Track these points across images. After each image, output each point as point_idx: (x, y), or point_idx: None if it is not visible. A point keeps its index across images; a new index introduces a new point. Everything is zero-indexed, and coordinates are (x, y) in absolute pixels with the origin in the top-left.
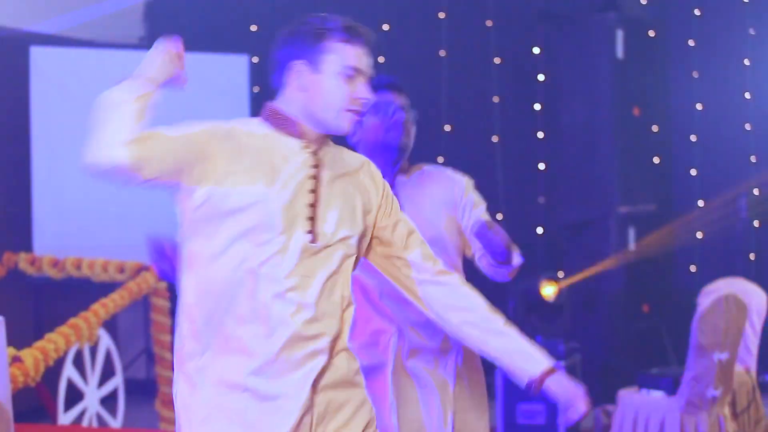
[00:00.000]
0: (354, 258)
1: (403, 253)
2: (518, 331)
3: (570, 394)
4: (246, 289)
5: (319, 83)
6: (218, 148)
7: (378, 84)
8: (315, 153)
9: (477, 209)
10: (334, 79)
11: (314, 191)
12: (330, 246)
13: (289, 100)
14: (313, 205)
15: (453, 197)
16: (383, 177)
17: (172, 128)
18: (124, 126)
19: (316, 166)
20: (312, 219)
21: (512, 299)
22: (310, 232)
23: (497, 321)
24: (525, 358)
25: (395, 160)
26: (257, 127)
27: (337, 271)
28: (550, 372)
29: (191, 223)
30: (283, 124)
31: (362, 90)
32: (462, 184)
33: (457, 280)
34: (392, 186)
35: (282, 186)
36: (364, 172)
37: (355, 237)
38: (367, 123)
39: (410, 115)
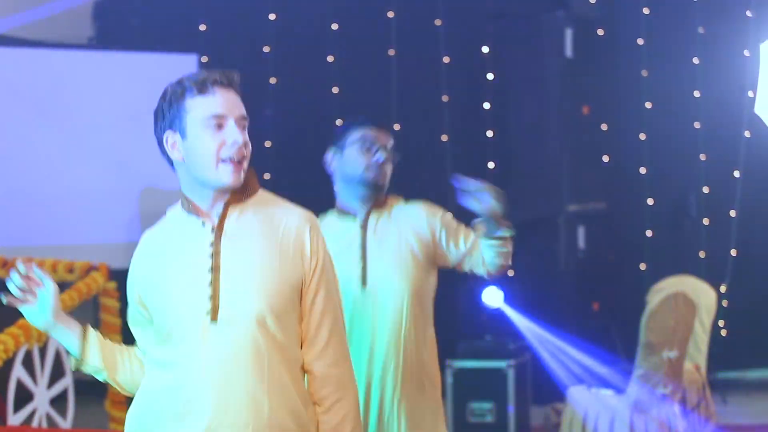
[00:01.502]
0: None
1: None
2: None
3: None
4: None
5: (190, 147)
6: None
7: (367, 120)
8: (215, 228)
9: (453, 225)
10: (200, 136)
11: (213, 269)
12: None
13: (180, 175)
14: (212, 284)
15: (422, 224)
16: (354, 209)
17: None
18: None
19: (212, 244)
20: (212, 297)
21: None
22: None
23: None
24: None
25: (367, 197)
26: (175, 212)
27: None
28: None
29: None
30: (182, 202)
31: (232, 133)
32: (427, 211)
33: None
34: (365, 219)
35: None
36: (292, 231)
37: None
38: (348, 154)
39: (392, 156)
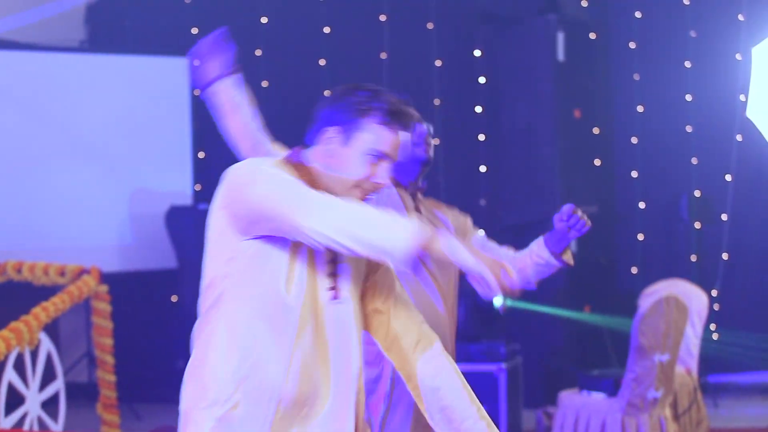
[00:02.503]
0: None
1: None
2: None
3: None
4: None
5: (343, 156)
6: None
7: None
8: None
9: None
10: (359, 158)
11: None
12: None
13: (313, 157)
14: (333, 261)
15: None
16: (406, 195)
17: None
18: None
19: None
20: (333, 275)
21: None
22: (332, 288)
23: None
24: None
25: (420, 175)
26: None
27: None
28: None
29: None
30: (304, 175)
31: (382, 175)
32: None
33: None
34: (415, 200)
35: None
36: None
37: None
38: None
39: (428, 127)
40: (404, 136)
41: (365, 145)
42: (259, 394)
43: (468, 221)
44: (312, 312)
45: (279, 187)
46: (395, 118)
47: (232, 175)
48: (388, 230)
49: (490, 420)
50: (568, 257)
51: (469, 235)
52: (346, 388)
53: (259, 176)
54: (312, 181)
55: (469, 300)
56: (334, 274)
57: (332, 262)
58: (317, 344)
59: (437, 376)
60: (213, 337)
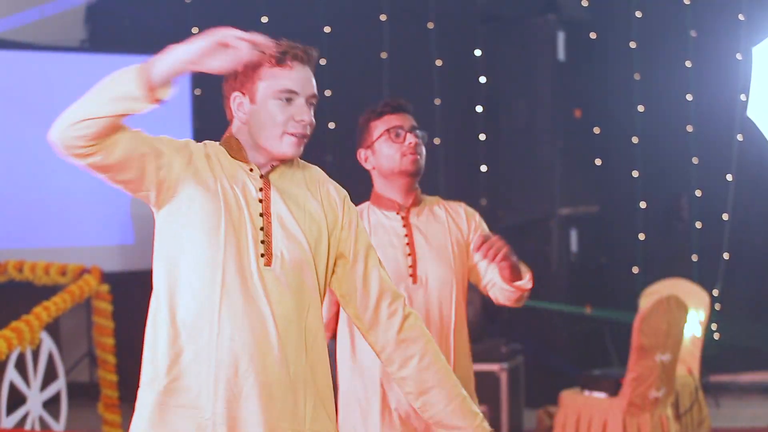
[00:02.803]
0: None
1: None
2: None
3: None
4: None
5: (257, 113)
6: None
7: (384, 107)
8: (263, 177)
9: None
10: (269, 105)
11: (264, 214)
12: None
13: (238, 130)
14: (263, 229)
15: (459, 226)
16: (401, 205)
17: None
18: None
19: (261, 189)
20: (264, 242)
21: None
22: (263, 255)
23: None
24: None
25: (413, 186)
26: (216, 149)
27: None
28: None
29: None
30: (234, 148)
31: (301, 111)
32: (467, 214)
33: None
34: (406, 217)
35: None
36: (323, 193)
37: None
38: (380, 149)
39: (421, 135)
40: (300, 67)
41: (268, 91)
42: (197, 365)
43: (469, 208)
44: (240, 278)
45: None
46: (285, 55)
47: None
48: (112, 82)
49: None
50: (523, 282)
51: (473, 219)
52: (297, 358)
53: None
54: (241, 146)
55: (477, 300)
56: (264, 241)
57: (261, 229)
58: (250, 310)
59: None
60: (153, 318)
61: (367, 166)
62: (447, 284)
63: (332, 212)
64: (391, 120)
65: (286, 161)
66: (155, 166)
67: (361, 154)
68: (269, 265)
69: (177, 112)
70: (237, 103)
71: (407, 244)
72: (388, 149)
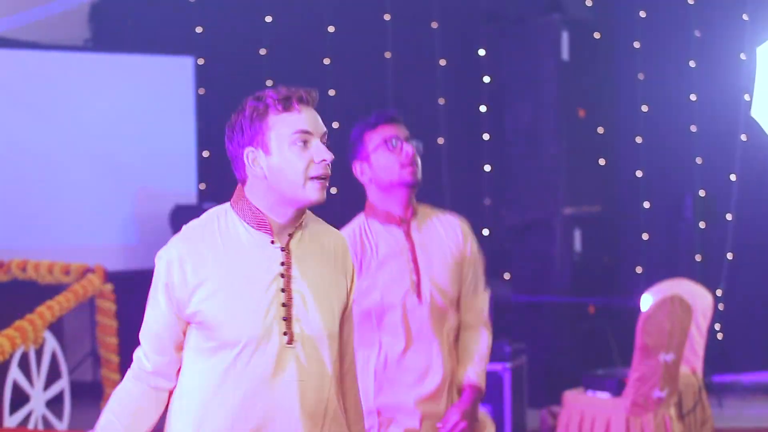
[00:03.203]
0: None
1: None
2: None
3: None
4: None
5: (275, 165)
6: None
7: (378, 118)
8: (284, 249)
9: (475, 276)
10: (287, 153)
11: (285, 290)
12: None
13: (254, 189)
14: (285, 305)
15: (457, 245)
16: (401, 218)
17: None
18: None
19: (284, 264)
20: (286, 320)
21: None
22: (285, 333)
23: None
24: None
25: (411, 198)
26: (227, 219)
27: None
28: None
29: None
30: (248, 215)
31: (320, 152)
32: (464, 233)
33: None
34: (407, 231)
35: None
36: (337, 256)
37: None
38: (377, 160)
39: (417, 146)
40: (306, 108)
41: (284, 138)
42: None
43: (465, 226)
44: (261, 359)
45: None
46: (288, 100)
47: None
48: None
49: None
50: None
51: (469, 240)
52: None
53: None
54: (268, 207)
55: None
56: (287, 319)
57: (284, 305)
58: (273, 390)
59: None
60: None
61: (364, 179)
62: (447, 304)
63: (351, 281)
64: (386, 130)
65: (302, 223)
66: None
67: (357, 166)
68: (291, 344)
69: (180, 113)
70: (251, 160)
71: (412, 260)
72: (386, 160)
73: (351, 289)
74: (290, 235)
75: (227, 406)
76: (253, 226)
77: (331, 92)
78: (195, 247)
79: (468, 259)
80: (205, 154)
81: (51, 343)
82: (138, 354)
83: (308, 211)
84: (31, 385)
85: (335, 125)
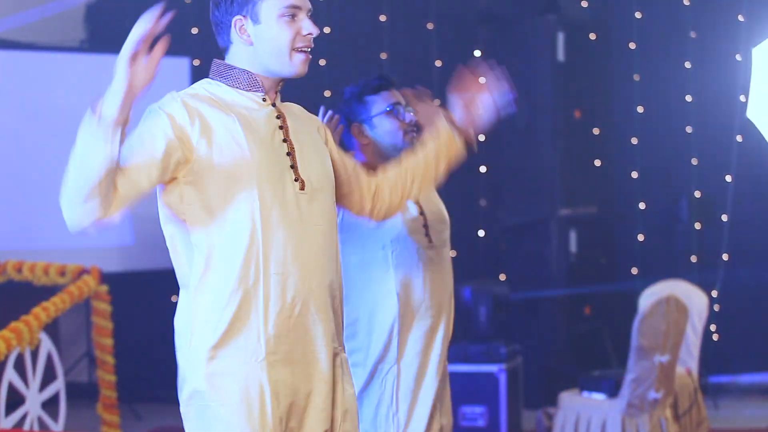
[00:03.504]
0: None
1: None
2: None
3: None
4: None
5: (263, 33)
6: (187, 135)
7: (378, 83)
8: (275, 105)
9: None
10: (276, 24)
11: (286, 140)
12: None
13: (237, 56)
14: (290, 154)
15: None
16: None
17: (133, 144)
18: (95, 186)
19: (279, 117)
20: (293, 167)
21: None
22: (296, 179)
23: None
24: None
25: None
26: (213, 87)
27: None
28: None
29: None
30: (239, 78)
31: (306, 26)
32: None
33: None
34: None
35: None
36: (311, 119)
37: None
38: (380, 124)
39: (414, 113)
40: None
41: (274, 10)
42: (248, 310)
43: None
44: (279, 207)
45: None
46: None
47: None
48: (82, 147)
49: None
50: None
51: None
52: (336, 278)
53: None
54: (253, 77)
55: (490, 299)
56: (293, 167)
57: (288, 154)
58: (295, 237)
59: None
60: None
61: (363, 140)
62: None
63: (322, 135)
64: (390, 96)
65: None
66: (161, 168)
67: (356, 128)
68: (303, 190)
69: (176, 82)
70: (239, 27)
71: None
72: (390, 125)
73: (327, 136)
74: (276, 94)
75: (274, 251)
76: (243, 88)
77: (327, 93)
78: (195, 105)
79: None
80: None
81: (46, 345)
82: None
83: None
84: (27, 386)
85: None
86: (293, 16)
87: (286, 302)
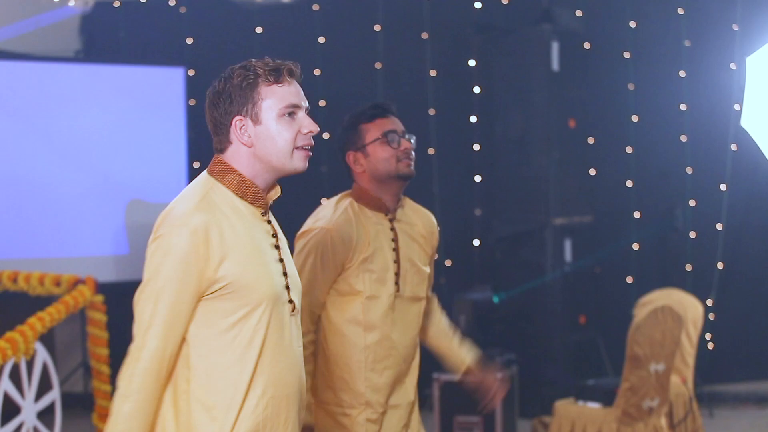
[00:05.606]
0: None
1: None
2: None
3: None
4: None
5: (263, 133)
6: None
7: (375, 110)
8: (269, 222)
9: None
10: (276, 124)
11: (281, 260)
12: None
13: (236, 156)
14: (285, 274)
15: (431, 238)
16: (392, 208)
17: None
18: None
19: (275, 236)
20: (288, 288)
21: (457, 310)
22: (290, 301)
23: None
24: None
25: (402, 190)
26: (219, 193)
27: None
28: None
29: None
30: (247, 189)
31: (307, 124)
32: (435, 229)
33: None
34: (392, 221)
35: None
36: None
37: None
38: (374, 152)
39: (411, 138)
40: (294, 81)
41: (273, 109)
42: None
43: (436, 233)
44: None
45: (150, 294)
46: (278, 72)
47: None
48: None
49: None
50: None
51: (434, 243)
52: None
53: (150, 269)
54: (252, 175)
55: (484, 308)
56: (287, 287)
57: (284, 275)
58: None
59: None
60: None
61: (358, 168)
62: (420, 300)
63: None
64: (384, 124)
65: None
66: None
67: (351, 156)
68: (293, 312)
69: (171, 123)
70: (239, 128)
71: (394, 249)
72: (384, 153)
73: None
74: (269, 208)
75: (264, 373)
76: (247, 200)
77: (322, 103)
78: (213, 216)
79: (434, 249)
80: (196, 164)
81: (42, 355)
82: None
83: None
84: (22, 396)
85: (326, 136)
86: (292, 114)
87: (258, 414)
